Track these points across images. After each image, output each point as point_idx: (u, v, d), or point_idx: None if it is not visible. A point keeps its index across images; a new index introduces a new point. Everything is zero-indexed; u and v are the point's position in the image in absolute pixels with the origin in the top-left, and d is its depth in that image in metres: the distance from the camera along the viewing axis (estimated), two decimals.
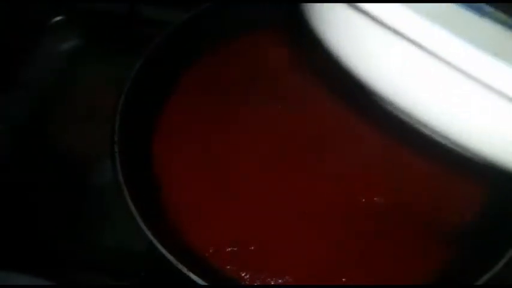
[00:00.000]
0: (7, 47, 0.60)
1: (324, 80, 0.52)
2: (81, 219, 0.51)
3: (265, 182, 0.46)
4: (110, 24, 0.63)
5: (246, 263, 0.43)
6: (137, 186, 0.43)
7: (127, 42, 0.61)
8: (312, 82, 0.53)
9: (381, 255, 0.44)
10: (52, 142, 0.56)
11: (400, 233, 0.45)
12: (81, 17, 0.64)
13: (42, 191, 0.53)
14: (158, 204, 0.46)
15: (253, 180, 0.46)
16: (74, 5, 0.64)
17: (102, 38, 0.64)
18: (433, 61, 0.24)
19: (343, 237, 0.44)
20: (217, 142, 0.49)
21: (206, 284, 0.38)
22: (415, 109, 0.27)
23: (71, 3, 0.64)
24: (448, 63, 0.23)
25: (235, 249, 0.43)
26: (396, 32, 0.24)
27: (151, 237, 0.39)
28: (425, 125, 0.28)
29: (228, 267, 0.43)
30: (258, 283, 0.42)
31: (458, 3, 0.28)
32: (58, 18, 0.64)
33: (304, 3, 0.32)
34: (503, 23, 0.29)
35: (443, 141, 0.29)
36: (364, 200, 0.46)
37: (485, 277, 0.38)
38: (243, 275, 0.43)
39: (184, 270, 0.38)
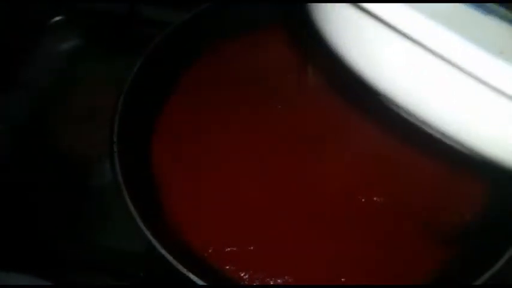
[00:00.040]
0: (7, 47, 0.60)
1: (324, 80, 0.52)
2: (81, 220, 0.51)
3: (264, 182, 0.46)
4: (110, 24, 0.63)
5: (245, 263, 0.43)
6: (137, 186, 0.43)
7: (127, 42, 0.61)
8: (312, 82, 0.53)
9: (380, 255, 0.44)
10: (52, 142, 0.56)
11: (400, 232, 0.45)
12: (81, 17, 0.64)
13: (42, 191, 0.53)
14: (157, 204, 0.46)
15: (252, 180, 0.46)
16: (74, 5, 0.64)
17: (102, 38, 0.64)
18: (436, 61, 0.24)
19: (343, 237, 0.44)
20: (217, 142, 0.49)
21: (205, 284, 0.38)
22: (418, 108, 0.27)
23: (70, 3, 0.64)
24: (450, 63, 0.23)
25: (235, 249, 0.43)
26: (399, 32, 0.24)
27: (151, 237, 0.39)
28: (428, 124, 0.28)
29: (227, 267, 0.43)
30: (257, 283, 0.42)
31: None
32: (58, 18, 0.64)
33: (310, 4, 0.32)
34: (508, 21, 0.29)
35: (446, 140, 0.29)
36: (363, 200, 0.46)
37: (485, 277, 0.38)
38: (242, 275, 0.43)
39: (184, 270, 0.38)
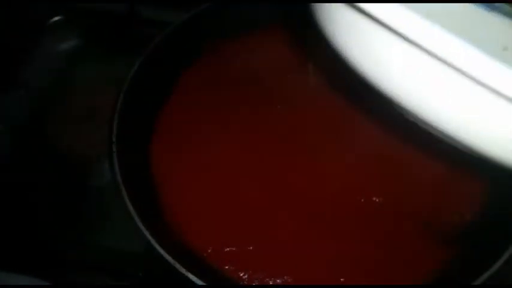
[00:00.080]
0: (7, 47, 0.60)
1: (323, 80, 0.52)
2: (81, 219, 0.51)
3: (264, 182, 0.46)
4: (110, 24, 0.63)
5: (244, 263, 0.43)
6: (136, 187, 0.43)
7: (127, 42, 0.61)
8: (312, 82, 0.53)
9: (380, 255, 0.44)
10: (51, 142, 0.56)
11: (400, 232, 0.45)
12: (81, 17, 0.64)
13: (41, 191, 0.53)
14: (157, 204, 0.46)
15: (252, 180, 0.46)
16: (74, 5, 0.64)
17: (101, 38, 0.64)
18: (435, 62, 0.24)
19: (342, 237, 0.44)
20: (216, 142, 0.49)
21: (204, 284, 0.38)
22: (418, 108, 0.27)
23: (70, 3, 0.64)
24: (449, 64, 0.23)
25: (234, 249, 0.43)
26: (397, 32, 0.24)
27: (150, 237, 0.39)
28: (428, 123, 0.28)
29: (227, 267, 0.43)
30: (257, 283, 0.42)
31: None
32: (57, 18, 0.64)
33: (313, 4, 0.32)
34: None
35: (446, 139, 0.29)
36: (363, 200, 0.45)
37: (484, 276, 0.38)
38: (241, 275, 0.43)
39: (183, 270, 0.38)
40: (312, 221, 0.44)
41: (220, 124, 0.50)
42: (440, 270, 0.43)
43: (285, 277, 0.42)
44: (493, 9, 0.29)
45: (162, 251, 0.39)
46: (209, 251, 0.43)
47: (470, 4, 0.29)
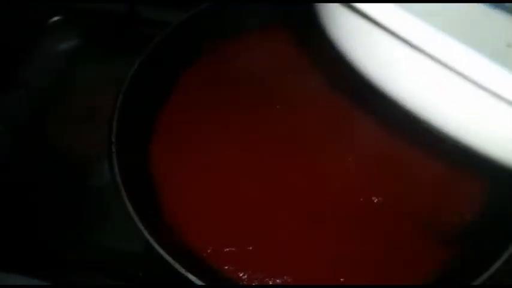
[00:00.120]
0: (7, 47, 0.60)
1: (323, 80, 0.52)
2: (80, 220, 0.51)
3: (263, 182, 0.46)
4: (109, 24, 0.63)
5: (244, 263, 0.43)
6: (135, 187, 0.43)
7: (126, 42, 0.61)
8: (312, 82, 0.53)
9: (380, 255, 0.44)
10: (51, 142, 0.56)
11: (400, 232, 0.45)
12: (80, 17, 0.64)
13: (41, 191, 0.53)
14: (156, 204, 0.46)
15: (251, 181, 0.46)
16: (73, 5, 0.64)
17: (101, 38, 0.64)
18: (438, 66, 0.24)
19: (341, 237, 0.44)
20: (216, 142, 0.49)
21: (203, 284, 0.38)
22: (421, 109, 0.27)
23: (69, 3, 0.64)
24: (451, 69, 0.23)
25: (234, 249, 0.43)
26: (400, 38, 0.24)
27: (149, 237, 0.39)
28: (429, 123, 0.28)
29: (226, 267, 0.43)
30: (256, 283, 0.42)
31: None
32: (57, 18, 0.64)
33: (317, 5, 0.32)
34: None
35: (447, 138, 0.29)
36: (362, 199, 0.45)
37: (484, 276, 0.38)
38: (241, 275, 0.43)
39: (182, 270, 0.38)
40: (312, 221, 0.44)
41: (220, 124, 0.50)
42: (440, 270, 0.43)
43: (285, 277, 0.42)
44: (497, 6, 0.29)
45: (161, 251, 0.39)
46: (209, 251, 0.43)
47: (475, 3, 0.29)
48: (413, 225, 0.45)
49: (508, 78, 0.22)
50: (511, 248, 0.39)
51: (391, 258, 0.43)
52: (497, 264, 0.38)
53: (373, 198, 0.45)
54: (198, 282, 0.38)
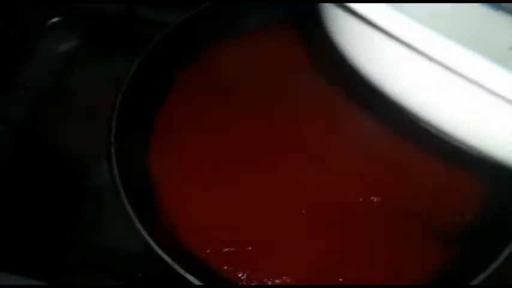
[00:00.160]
0: (6, 48, 0.61)
1: (323, 80, 0.52)
2: (81, 220, 0.51)
3: (262, 183, 0.46)
4: (108, 25, 0.64)
5: (243, 263, 0.43)
6: (134, 187, 0.43)
7: (125, 43, 0.61)
8: (311, 82, 0.53)
9: (380, 255, 0.43)
10: (51, 142, 0.56)
11: (399, 232, 0.44)
12: (79, 18, 0.64)
13: (41, 191, 0.53)
14: (155, 204, 0.46)
15: (250, 181, 0.46)
16: (72, 6, 0.65)
17: (100, 38, 0.64)
18: (439, 68, 0.23)
19: (340, 236, 0.44)
20: (215, 142, 0.49)
21: (202, 284, 0.38)
22: (423, 111, 0.27)
23: (68, 4, 0.65)
24: (453, 71, 0.23)
25: (232, 249, 0.43)
26: (400, 41, 0.24)
27: (148, 238, 0.40)
28: (433, 127, 0.28)
29: (225, 267, 0.43)
30: (255, 283, 0.42)
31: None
32: (56, 19, 0.64)
33: (321, 9, 0.32)
34: None
35: (448, 139, 0.29)
36: (361, 199, 0.45)
37: (484, 275, 0.38)
38: (240, 275, 0.43)
39: (180, 270, 0.38)
40: (311, 221, 0.44)
41: (218, 124, 0.50)
42: (440, 270, 0.43)
43: (284, 277, 0.42)
44: (499, 8, 0.29)
45: (160, 252, 0.39)
46: (208, 251, 0.43)
47: (477, 4, 0.29)
48: (412, 225, 0.45)
49: (509, 78, 0.22)
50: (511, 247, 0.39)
51: (390, 258, 0.43)
52: (497, 263, 0.38)
53: (372, 198, 0.45)
54: (197, 282, 0.38)
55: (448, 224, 0.45)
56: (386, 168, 0.47)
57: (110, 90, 0.48)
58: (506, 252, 0.39)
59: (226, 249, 0.43)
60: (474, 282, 0.38)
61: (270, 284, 0.42)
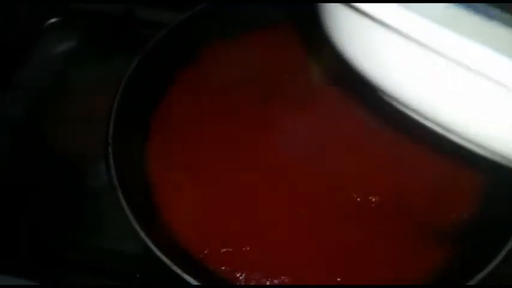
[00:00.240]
0: (5, 48, 0.61)
1: (322, 80, 0.52)
2: (80, 220, 0.51)
3: (259, 183, 0.46)
4: (107, 25, 0.64)
5: (241, 263, 0.43)
6: (132, 188, 0.43)
7: (124, 43, 0.61)
8: (311, 82, 0.53)
9: (379, 255, 0.43)
10: (50, 143, 0.56)
11: (399, 232, 0.44)
12: (78, 18, 0.65)
13: (41, 191, 0.53)
14: (153, 205, 0.46)
15: (247, 181, 0.46)
16: (71, 6, 0.65)
17: (99, 38, 0.64)
18: (442, 61, 0.23)
19: (339, 236, 0.44)
20: (213, 143, 0.49)
21: (199, 284, 0.38)
22: (424, 107, 0.27)
23: (67, 5, 0.65)
24: (459, 64, 0.23)
25: (230, 249, 0.43)
26: (402, 34, 0.24)
27: (146, 239, 0.40)
28: (429, 118, 0.28)
29: (223, 268, 0.43)
30: (254, 283, 0.42)
31: (466, 7, 0.28)
32: (54, 19, 0.65)
33: (320, 8, 0.32)
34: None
35: (449, 136, 0.28)
36: (359, 199, 0.45)
37: (481, 275, 0.38)
38: (238, 275, 0.42)
39: (178, 270, 0.38)
40: (309, 220, 0.44)
41: (216, 125, 0.50)
42: (440, 270, 0.43)
43: (282, 277, 0.42)
44: (492, 17, 0.28)
45: (158, 252, 0.39)
46: (206, 251, 0.43)
47: (471, 13, 0.28)
48: (412, 225, 0.44)
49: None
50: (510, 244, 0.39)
51: (390, 258, 0.43)
52: (496, 262, 0.38)
53: (370, 197, 0.45)
54: (195, 282, 0.38)
55: (448, 223, 0.45)
56: (385, 168, 0.47)
57: (109, 90, 0.47)
58: (504, 251, 0.39)
59: (224, 250, 0.43)
60: (474, 282, 0.38)
61: (268, 284, 0.42)
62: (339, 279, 0.42)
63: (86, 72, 0.60)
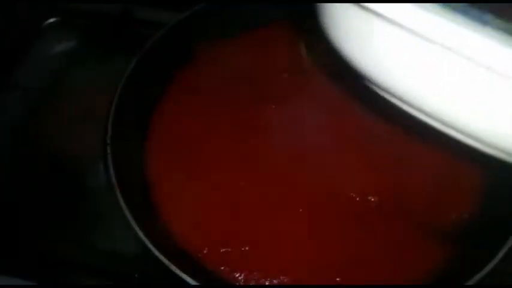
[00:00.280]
0: (4, 48, 0.61)
1: (321, 80, 0.52)
2: (79, 220, 0.51)
3: (258, 183, 0.46)
4: (106, 25, 0.64)
5: (240, 263, 0.43)
6: (130, 188, 0.43)
7: (123, 43, 0.61)
8: (310, 82, 0.53)
9: (379, 255, 0.43)
10: (50, 143, 0.56)
11: (398, 232, 0.44)
12: (77, 18, 0.65)
13: (40, 191, 0.53)
14: (152, 205, 0.46)
15: (247, 181, 0.46)
16: (70, 6, 0.65)
17: (98, 38, 0.64)
18: (443, 55, 0.23)
19: (338, 236, 0.44)
20: (211, 142, 0.49)
21: (198, 283, 0.38)
22: (424, 104, 0.27)
23: (66, 5, 0.65)
24: (462, 55, 0.23)
25: (229, 249, 0.43)
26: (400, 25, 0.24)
27: (144, 239, 0.39)
28: (429, 115, 0.28)
29: (222, 268, 0.43)
30: (253, 283, 0.42)
31: (460, 14, 0.28)
32: (53, 19, 0.65)
33: (320, 8, 0.31)
34: (505, 31, 0.28)
35: (450, 132, 0.28)
36: (358, 199, 0.45)
37: (480, 275, 0.38)
38: (237, 275, 0.42)
39: (176, 270, 0.38)
40: (308, 221, 0.44)
41: (214, 125, 0.50)
42: (440, 270, 0.42)
43: (282, 277, 0.42)
44: (485, 24, 0.28)
45: (156, 252, 0.39)
46: (205, 251, 0.43)
47: (465, 20, 0.28)
48: (412, 225, 0.44)
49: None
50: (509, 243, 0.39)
51: (390, 258, 0.43)
52: (495, 261, 0.38)
53: (369, 197, 0.45)
54: (192, 282, 0.38)
55: (448, 223, 0.45)
56: (384, 168, 0.47)
57: (108, 90, 0.47)
58: (504, 250, 0.38)
59: (223, 250, 0.43)
60: (474, 282, 0.37)
61: (267, 284, 0.42)
62: (338, 279, 0.42)
63: (85, 72, 0.60)
